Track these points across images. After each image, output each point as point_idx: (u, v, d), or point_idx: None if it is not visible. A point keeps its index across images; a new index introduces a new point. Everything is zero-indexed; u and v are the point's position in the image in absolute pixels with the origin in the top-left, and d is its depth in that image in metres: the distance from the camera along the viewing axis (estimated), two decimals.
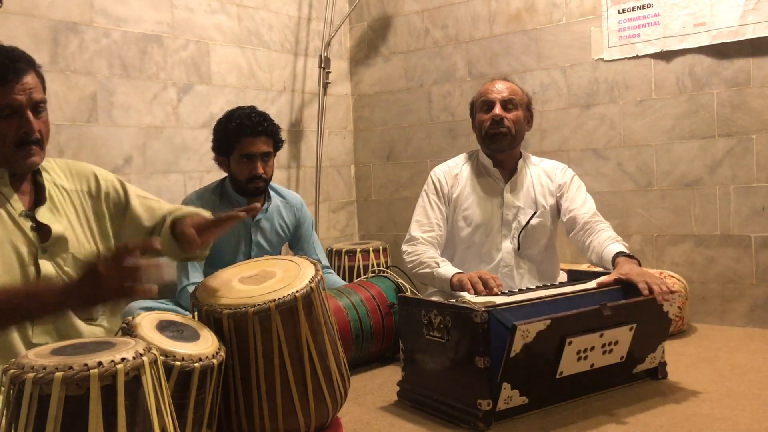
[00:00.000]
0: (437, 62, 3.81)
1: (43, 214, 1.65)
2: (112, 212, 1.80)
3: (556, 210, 2.56)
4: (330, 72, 3.78)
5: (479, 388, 1.85)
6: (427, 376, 2.05)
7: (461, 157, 2.65)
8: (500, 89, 2.50)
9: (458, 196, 2.55)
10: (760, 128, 2.89)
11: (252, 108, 2.70)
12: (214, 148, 2.71)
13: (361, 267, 3.43)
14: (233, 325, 1.60)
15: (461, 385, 1.92)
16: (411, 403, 2.10)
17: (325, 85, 3.77)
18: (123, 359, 1.14)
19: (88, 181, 1.78)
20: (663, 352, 2.19)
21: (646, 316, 2.05)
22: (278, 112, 3.66)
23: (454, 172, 2.59)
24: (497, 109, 2.47)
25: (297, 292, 1.64)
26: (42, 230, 1.64)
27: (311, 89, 3.88)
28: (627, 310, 2.01)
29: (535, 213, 2.50)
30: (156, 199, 1.89)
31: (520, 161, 2.56)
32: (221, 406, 1.63)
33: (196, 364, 1.38)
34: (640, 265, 2.21)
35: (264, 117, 2.67)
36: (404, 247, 2.52)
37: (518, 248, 2.51)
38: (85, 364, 1.10)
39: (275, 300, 1.61)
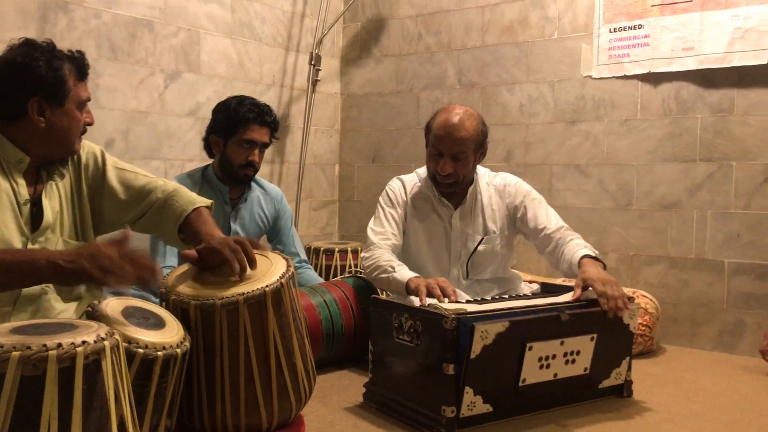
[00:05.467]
0: (428, 68, 3.82)
1: (43, 199, 1.69)
2: (90, 183, 1.82)
3: (509, 231, 2.53)
4: (320, 69, 3.77)
5: (445, 395, 1.85)
6: (394, 380, 2.05)
7: (415, 175, 2.60)
8: (451, 141, 2.34)
9: (409, 213, 2.53)
10: (741, 156, 2.92)
11: (253, 98, 2.77)
12: (213, 128, 2.74)
13: (339, 267, 3.42)
14: (200, 317, 1.59)
15: (427, 390, 1.92)
16: (376, 405, 2.09)
17: (315, 83, 3.76)
18: (83, 342, 1.12)
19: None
20: (629, 369, 2.20)
21: (606, 327, 2.08)
22: None
23: (409, 187, 2.56)
24: (447, 165, 2.37)
25: (267, 286, 1.63)
26: (36, 218, 1.67)
27: (300, 85, 3.86)
28: (586, 319, 2.04)
29: (481, 240, 2.48)
30: (133, 170, 1.88)
31: (471, 188, 2.50)
32: (184, 398, 1.62)
33: (159, 353, 1.37)
34: (605, 268, 2.23)
35: (270, 108, 2.78)
36: (362, 254, 2.50)
37: (467, 276, 2.50)
38: (44, 345, 1.09)
39: (244, 294, 1.59)
